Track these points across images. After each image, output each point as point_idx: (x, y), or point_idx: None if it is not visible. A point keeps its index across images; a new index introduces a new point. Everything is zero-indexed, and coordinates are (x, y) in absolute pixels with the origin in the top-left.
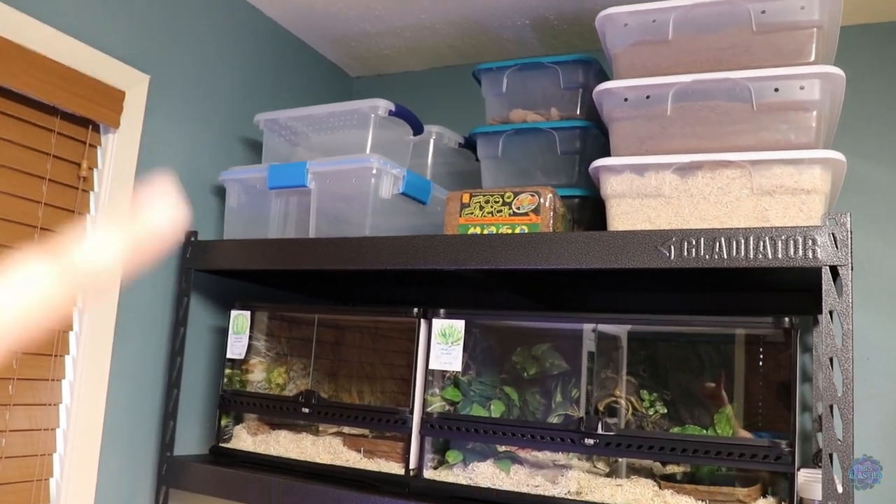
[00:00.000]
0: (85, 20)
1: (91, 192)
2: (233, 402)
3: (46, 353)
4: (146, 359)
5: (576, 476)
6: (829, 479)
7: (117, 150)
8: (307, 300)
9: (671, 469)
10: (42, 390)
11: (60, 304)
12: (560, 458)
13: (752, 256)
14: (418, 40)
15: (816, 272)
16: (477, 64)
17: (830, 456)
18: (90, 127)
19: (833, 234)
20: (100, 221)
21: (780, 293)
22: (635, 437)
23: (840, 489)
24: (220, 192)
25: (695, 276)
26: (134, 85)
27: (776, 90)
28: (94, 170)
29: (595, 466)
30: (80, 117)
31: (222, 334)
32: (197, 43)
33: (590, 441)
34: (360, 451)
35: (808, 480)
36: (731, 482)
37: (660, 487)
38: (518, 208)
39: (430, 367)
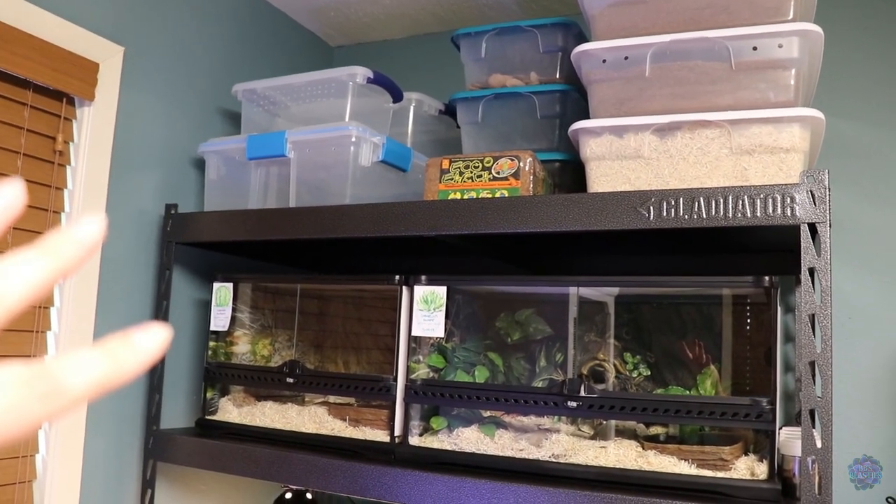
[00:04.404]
0: None
1: (67, 167)
2: (217, 375)
3: (27, 329)
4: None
5: (560, 439)
6: (809, 435)
7: (93, 123)
8: (290, 271)
9: (654, 430)
10: None
11: None
12: (545, 422)
13: (730, 215)
14: (397, 7)
15: (795, 230)
16: (456, 30)
17: (812, 412)
18: (64, 100)
19: (811, 192)
20: (77, 195)
21: (763, 254)
22: (618, 399)
23: (819, 444)
24: (200, 165)
25: (676, 237)
26: (108, 57)
27: (754, 49)
28: (70, 144)
29: (580, 430)
30: (53, 90)
31: (205, 307)
32: (173, 13)
33: (572, 403)
34: (345, 420)
35: (788, 437)
36: (714, 441)
37: (643, 448)
38: (498, 173)
39: (413, 334)
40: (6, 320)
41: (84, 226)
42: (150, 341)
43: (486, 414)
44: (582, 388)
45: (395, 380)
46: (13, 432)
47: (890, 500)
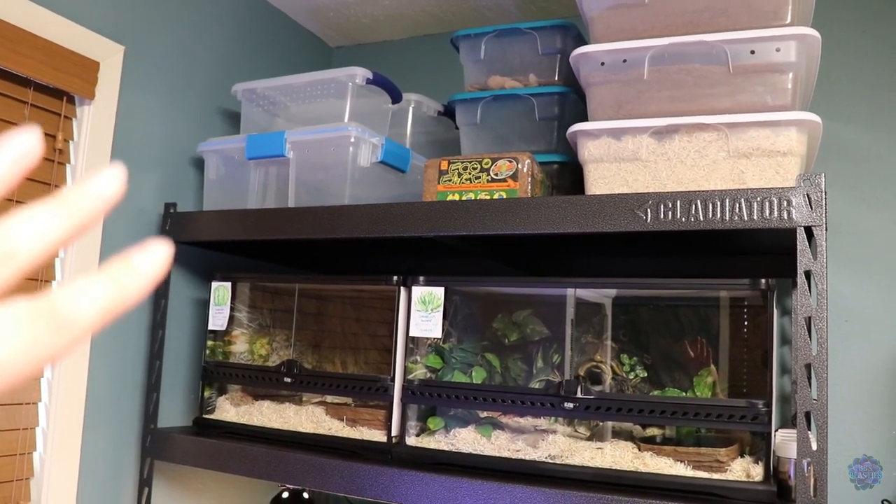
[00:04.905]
0: None
1: (67, 165)
2: (215, 374)
3: None
4: (128, 332)
5: (556, 440)
6: (804, 437)
7: (93, 121)
8: (288, 271)
9: (651, 432)
10: None
11: None
12: (541, 423)
13: (727, 218)
14: (396, 8)
15: (792, 233)
16: (455, 32)
17: (807, 415)
18: (65, 98)
19: (807, 195)
20: None
21: (760, 257)
22: (614, 400)
23: (815, 447)
24: (199, 164)
25: (673, 239)
26: (109, 56)
27: (752, 52)
28: (70, 142)
29: (576, 431)
30: (53, 89)
31: (204, 306)
32: (173, 13)
33: (569, 405)
34: (342, 420)
35: (784, 440)
36: (710, 443)
37: (639, 450)
38: (496, 174)
39: (411, 334)
40: (20, 275)
41: (102, 179)
42: (151, 261)
43: (483, 414)
44: (579, 389)
45: (393, 380)
46: (24, 372)
47: (886, 502)
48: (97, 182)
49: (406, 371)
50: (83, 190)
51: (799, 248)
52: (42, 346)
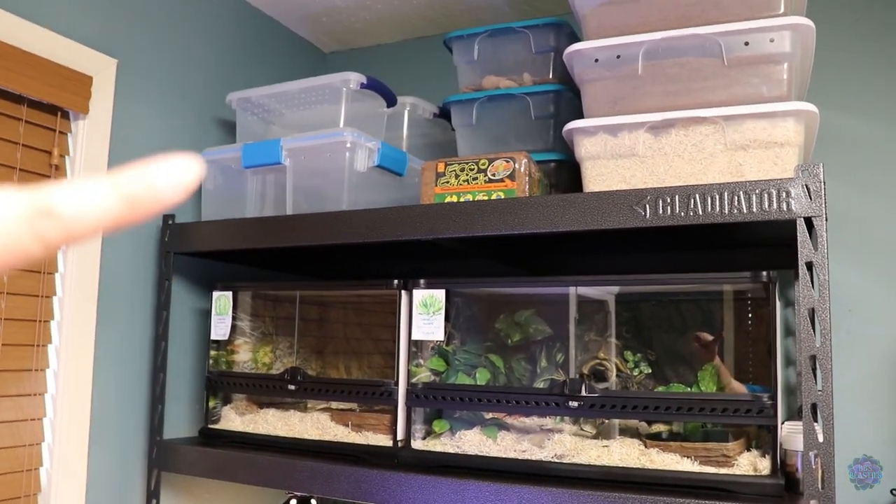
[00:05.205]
0: (47, 5)
1: (64, 181)
2: (219, 383)
3: (28, 343)
4: (131, 344)
5: (562, 439)
6: (811, 429)
7: (88, 136)
8: (289, 278)
9: (657, 428)
10: (26, 381)
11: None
12: (547, 422)
13: (726, 211)
14: (389, 12)
15: (792, 224)
16: (448, 33)
17: (813, 406)
18: (59, 114)
19: (806, 186)
20: None
21: (761, 249)
22: (619, 398)
23: (821, 438)
24: None
25: (673, 234)
26: (101, 70)
27: (746, 44)
28: (66, 157)
29: (582, 429)
30: (47, 104)
31: (206, 316)
32: (165, 24)
33: (574, 403)
34: (347, 426)
35: (790, 432)
36: (716, 438)
37: (646, 447)
38: (493, 175)
39: (413, 337)
40: (62, 239)
41: (165, 167)
42: (172, 181)
43: (489, 416)
44: (583, 387)
45: (397, 384)
46: (2, 265)
47: (894, 491)
48: (158, 169)
49: (410, 375)
50: (140, 174)
51: (799, 239)
52: (20, 245)
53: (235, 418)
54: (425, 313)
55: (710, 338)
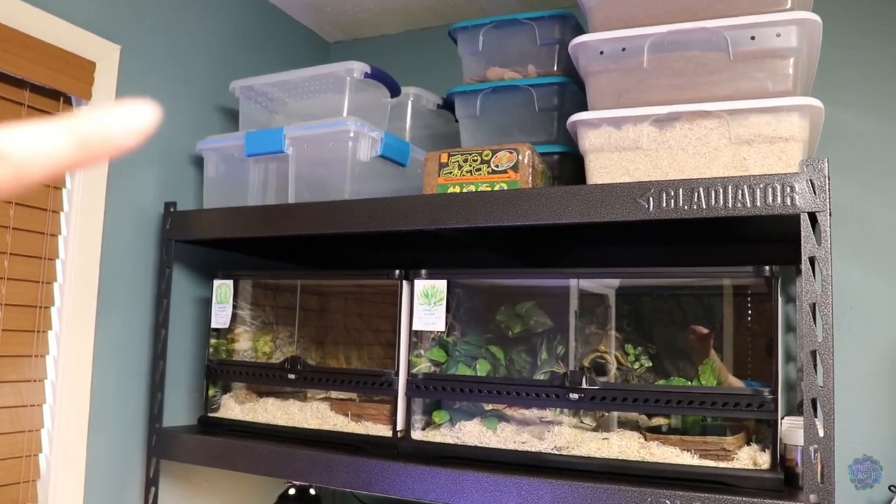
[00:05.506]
0: None
1: None
2: (219, 372)
3: (28, 329)
4: (131, 332)
5: (562, 432)
6: (811, 424)
7: None
8: (290, 267)
9: (657, 421)
10: (26, 367)
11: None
12: (547, 414)
13: (730, 205)
14: (394, 2)
15: (795, 219)
16: (453, 24)
17: (814, 402)
18: (61, 99)
19: (811, 181)
20: (76, 194)
21: (763, 244)
22: (619, 390)
23: (821, 433)
24: (198, 162)
25: (676, 228)
26: (105, 55)
27: (752, 38)
28: None
29: (582, 422)
30: (50, 89)
31: (206, 305)
32: (169, 11)
33: (574, 396)
34: (347, 416)
35: (791, 427)
36: (716, 432)
37: (646, 439)
38: (497, 166)
39: (414, 328)
40: (14, 180)
41: (120, 112)
42: (125, 121)
43: (489, 407)
44: (584, 380)
45: (397, 374)
46: None
47: (892, 488)
48: (113, 113)
49: (410, 365)
50: (96, 116)
51: (803, 234)
52: None
53: (235, 407)
54: (426, 304)
55: (704, 331)
